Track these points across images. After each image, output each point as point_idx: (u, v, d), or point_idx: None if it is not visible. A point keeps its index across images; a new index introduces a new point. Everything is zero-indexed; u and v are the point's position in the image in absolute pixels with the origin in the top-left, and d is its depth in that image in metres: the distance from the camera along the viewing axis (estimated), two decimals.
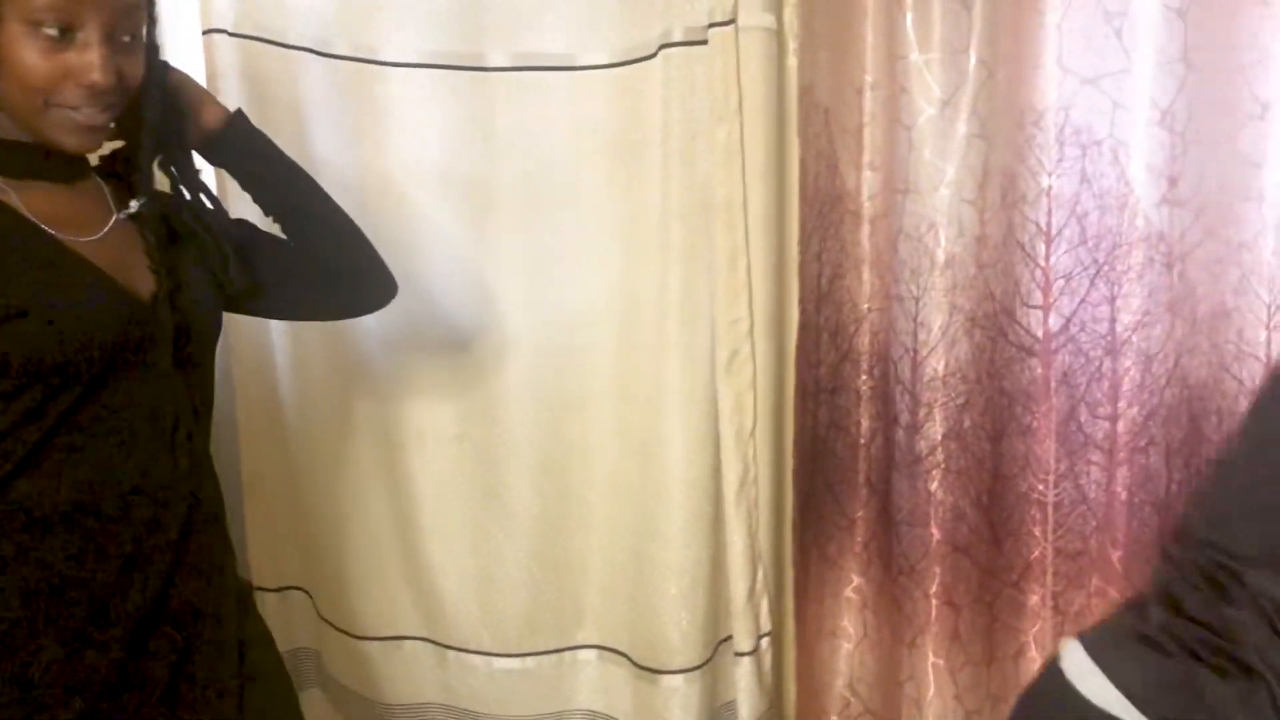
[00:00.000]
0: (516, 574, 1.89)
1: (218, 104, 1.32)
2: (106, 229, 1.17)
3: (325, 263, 1.36)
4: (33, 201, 1.12)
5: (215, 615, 1.22)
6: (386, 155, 1.80)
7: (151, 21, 1.20)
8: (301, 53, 1.79)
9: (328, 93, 1.79)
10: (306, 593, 2.04)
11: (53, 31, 1.04)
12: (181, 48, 1.84)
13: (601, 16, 1.71)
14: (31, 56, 1.05)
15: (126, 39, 1.12)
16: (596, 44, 1.72)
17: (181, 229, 1.26)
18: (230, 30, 1.81)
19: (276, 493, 2.00)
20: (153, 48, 1.22)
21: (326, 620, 2.00)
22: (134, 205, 1.21)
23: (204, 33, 1.83)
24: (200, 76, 1.84)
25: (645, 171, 1.71)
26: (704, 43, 1.63)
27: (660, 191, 1.69)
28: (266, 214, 1.34)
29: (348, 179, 1.74)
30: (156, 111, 1.27)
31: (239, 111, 1.32)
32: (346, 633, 1.98)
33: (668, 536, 1.76)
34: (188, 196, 1.31)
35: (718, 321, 1.69)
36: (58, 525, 1.09)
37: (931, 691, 1.74)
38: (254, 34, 1.80)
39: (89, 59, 1.07)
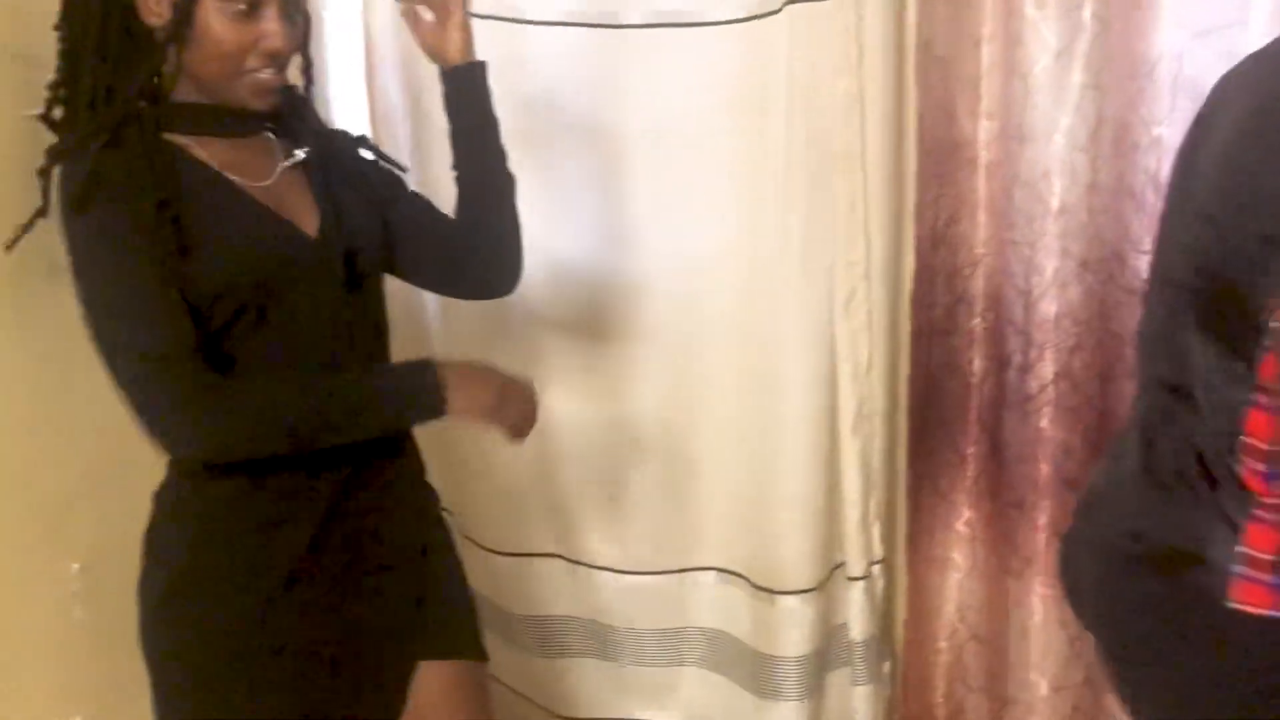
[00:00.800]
0: (643, 499, 2.04)
1: (470, 49, 1.47)
2: (275, 175, 1.34)
3: (478, 241, 1.48)
4: (213, 153, 1.29)
5: (394, 517, 1.40)
6: (528, 110, 1.92)
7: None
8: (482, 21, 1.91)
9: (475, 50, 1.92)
10: (449, 512, 2.22)
11: (242, 6, 1.22)
12: (341, 6, 2.03)
13: None
14: (226, 29, 1.22)
15: (292, 9, 1.29)
16: (725, 1, 1.82)
17: (340, 167, 1.43)
18: None
19: None
20: (307, 17, 1.38)
21: (468, 538, 2.19)
22: (298, 154, 1.38)
23: None
24: (357, 36, 2.03)
25: (769, 122, 1.81)
26: None
27: (783, 141, 1.80)
28: (455, 168, 1.48)
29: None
30: (312, 71, 1.46)
31: (483, 63, 1.48)
32: (487, 549, 2.17)
33: (786, 468, 1.88)
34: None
35: (836, 264, 1.80)
36: None
37: (1037, 619, 1.84)
38: None
39: (272, 28, 1.24)
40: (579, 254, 1.98)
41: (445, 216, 1.50)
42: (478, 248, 1.49)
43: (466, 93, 1.46)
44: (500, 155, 1.49)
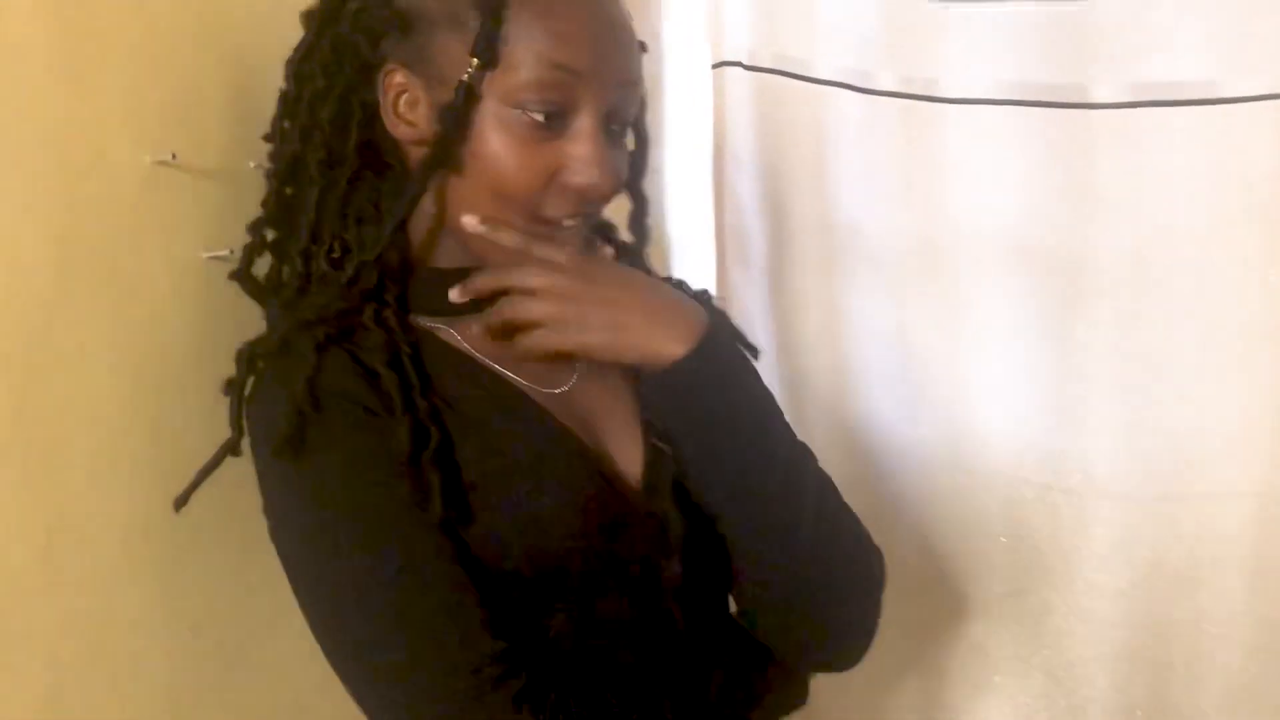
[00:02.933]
0: None
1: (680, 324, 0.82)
2: (575, 377, 0.87)
3: (774, 597, 0.87)
4: (480, 341, 0.86)
5: None
6: (939, 217, 1.41)
7: (642, 106, 0.90)
8: (834, 88, 1.45)
9: (865, 137, 1.43)
10: None
11: (539, 116, 0.79)
12: (685, 85, 1.58)
13: (1268, 28, 1.24)
14: (514, 148, 0.79)
15: (616, 128, 0.85)
16: (1256, 66, 1.24)
17: None
18: (746, 63, 1.53)
19: None
20: (643, 136, 0.93)
21: None
22: None
23: (714, 66, 1.57)
24: (706, 119, 1.58)
25: None
26: None
27: None
28: (700, 500, 0.86)
29: (884, 248, 1.42)
30: (646, 223, 0.99)
31: (710, 328, 0.83)
32: None
33: None
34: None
35: None
36: None
37: None
38: (775, 67, 1.50)
39: (585, 152, 0.81)
40: (998, 426, 1.41)
41: None
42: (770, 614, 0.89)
43: (695, 403, 0.82)
44: (791, 488, 0.84)
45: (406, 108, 0.82)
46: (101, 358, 0.83)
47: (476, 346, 0.84)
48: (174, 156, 0.87)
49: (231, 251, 0.89)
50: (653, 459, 0.83)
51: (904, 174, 1.41)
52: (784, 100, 1.48)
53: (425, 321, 0.85)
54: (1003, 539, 1.41)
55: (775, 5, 1.48)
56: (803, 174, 1.46)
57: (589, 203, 0.84)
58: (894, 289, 1.43)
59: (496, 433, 0.80)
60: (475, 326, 0.84)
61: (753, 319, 1.54)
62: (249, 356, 0.81)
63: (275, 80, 0.86)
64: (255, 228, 0.86)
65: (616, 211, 0.96)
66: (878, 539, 0.98)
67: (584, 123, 0.81)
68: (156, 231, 0.87)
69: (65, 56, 0.78)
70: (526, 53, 0.78)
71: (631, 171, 0.93)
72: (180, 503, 0.84)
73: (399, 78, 0.82)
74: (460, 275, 0.84)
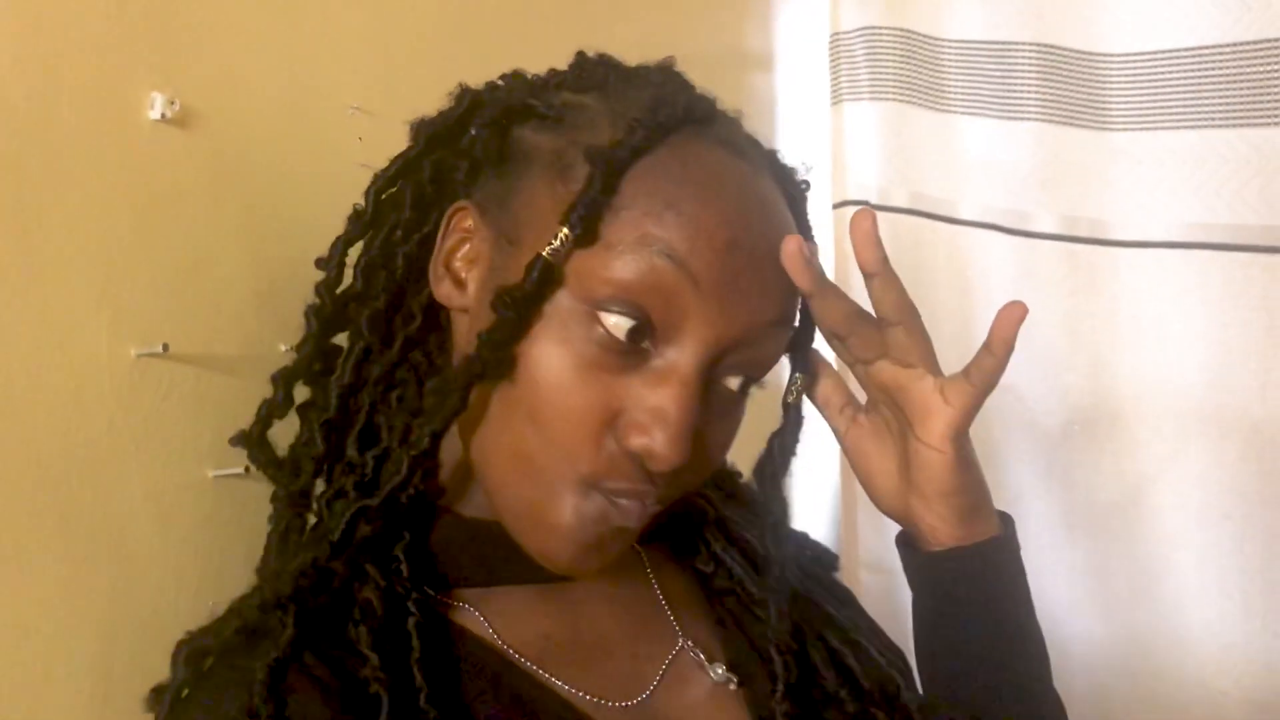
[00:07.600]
0: None
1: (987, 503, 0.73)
2: (656, 680, 0.67)
3: None
4: (514, 621, 0.66)
5: None
6: (1110, 379, 1.25)
7: (802, 359, 0.72)
8: (982, 230, 1.33)
9: (1020, 286, 1.30)
10: None
11: (619, 328, 0.58)
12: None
13: None
14: (569, 366, 0.59)
15: (735, 382, 0.63)
16: None
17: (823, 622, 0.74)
18: (875, 202, 1.42)
19: None
20: (792, 419, 0.72)
21: None
22: (717, 670, 0.69)
23: (835, 206, 1.46)
24: (828, 264, 1.44)
25: None
26: None
27: None
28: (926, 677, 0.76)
29: (1045, 415, 1.28)
30: (779, 546, 0.72)
31: (1009, 518, 0.75)
32: None
33: None
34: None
35: None
36: None
37: None
38: (911, 207, 1.39)
39: (662, 401, 0.58)
40: (1196, 635, 1.22)
41: None
42: None
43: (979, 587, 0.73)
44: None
45: (463, 262, 0.65)
46: (61, 620, 0.65)
47: (515, 639, 0.63)
48: (165, 348, 0.70)
49: (248, 469, 0.73)
50: None
51: (1067, 329, 1.27)
52: (921, 244, 1.36)
53: (442, 598, 0.65)
54: None
55: (910, 137, 1.36)
56: (945, 329, 1.30)
57: (652, 475, 0.60)
58: (1058, 463, 1.28)
59: None
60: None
61: None
62: (189, 653, 0.57)
63: (301, 251, 0.71)
64: (285, 380, 0.70)
65: None
66: None
67: (679, 358, 0.59)
68: (144, 443, 0.70)
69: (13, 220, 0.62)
70: (632, 229, 0.58)
71: (765, 466, 0.70)
72: None
73: (467, 221, 0.65)
74: (496, 531, 0.63)
